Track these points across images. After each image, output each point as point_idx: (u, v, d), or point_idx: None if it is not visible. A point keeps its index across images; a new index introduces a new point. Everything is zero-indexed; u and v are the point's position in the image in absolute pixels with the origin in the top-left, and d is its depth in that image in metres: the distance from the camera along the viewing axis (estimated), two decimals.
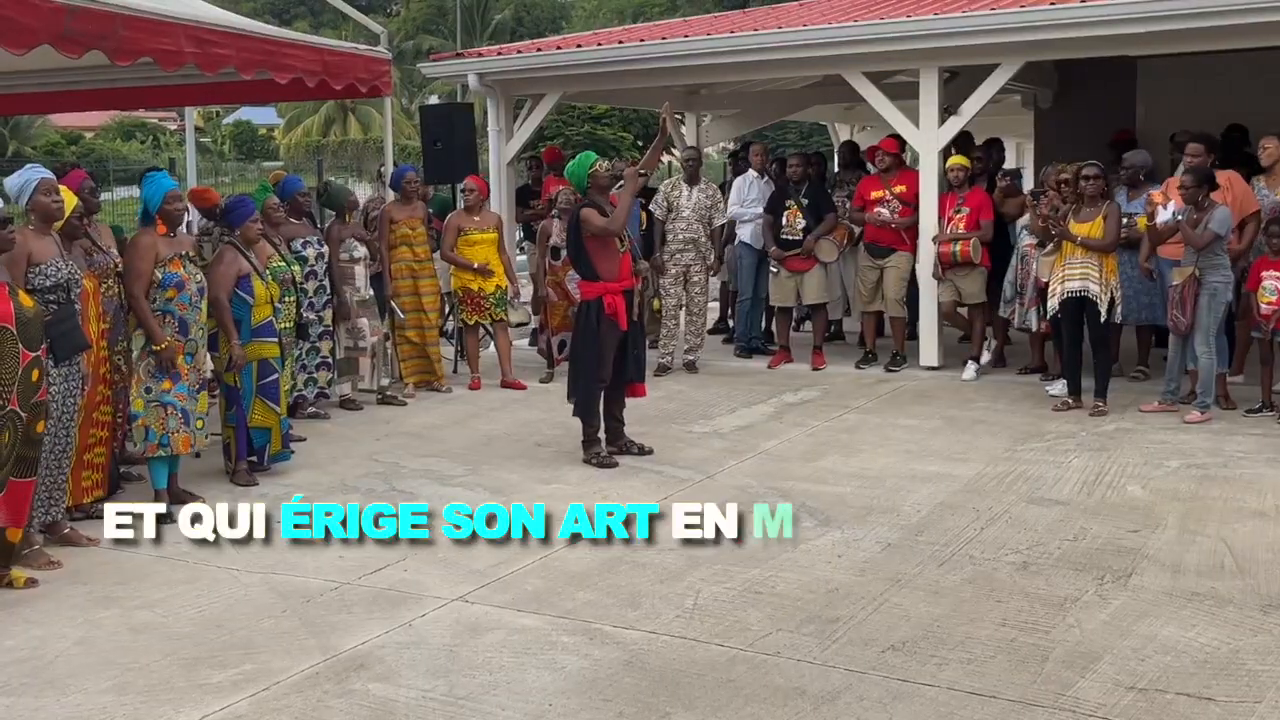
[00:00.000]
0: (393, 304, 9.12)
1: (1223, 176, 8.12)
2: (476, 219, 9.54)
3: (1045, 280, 8.34)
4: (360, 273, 8.75)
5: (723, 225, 10.36)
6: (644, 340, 7.64)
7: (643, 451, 7.29)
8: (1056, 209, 8.22)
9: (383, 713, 3.94)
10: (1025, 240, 8.91)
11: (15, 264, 5.48)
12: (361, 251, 8.75)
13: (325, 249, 8.42)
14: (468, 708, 3.97)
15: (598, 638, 4.52)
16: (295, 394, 8.28)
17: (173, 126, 41.61)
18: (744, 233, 10.56)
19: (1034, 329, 9.05)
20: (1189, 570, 5.11)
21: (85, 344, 5.86)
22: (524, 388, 9.51)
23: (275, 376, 6.97)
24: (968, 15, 9.20)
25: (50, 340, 5.54)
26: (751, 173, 10.91)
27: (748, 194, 10.68)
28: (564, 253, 9.53)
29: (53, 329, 5.56)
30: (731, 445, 7.52)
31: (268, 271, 7.27)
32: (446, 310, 10.09)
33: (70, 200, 5.97)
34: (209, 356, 6.75)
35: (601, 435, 7.23)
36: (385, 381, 9.09)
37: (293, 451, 7.23)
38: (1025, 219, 8.99)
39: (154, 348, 6.16)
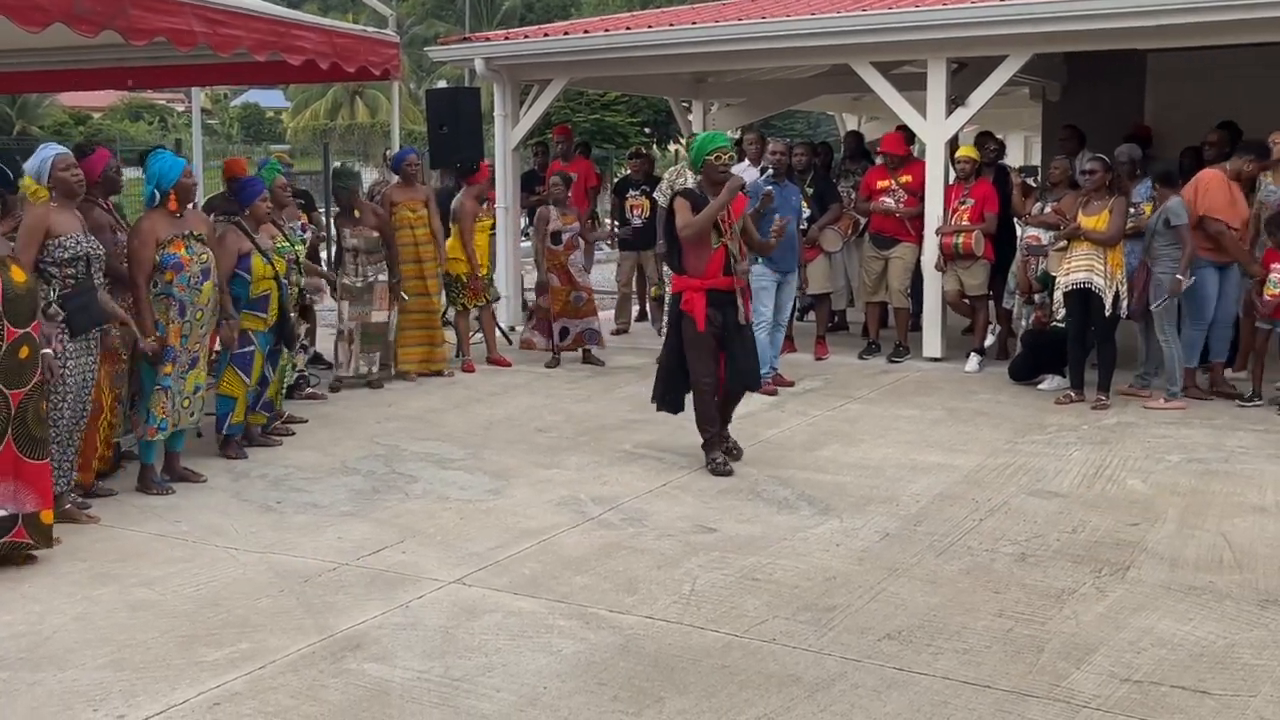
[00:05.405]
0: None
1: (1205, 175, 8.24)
2: (484, 205, 9.82)
3: (1053, 274, 8.34)
4: (347, 260, 8.78)
5: None
6: (748, 347, 6.75)
7: (731, 453, 6.81)
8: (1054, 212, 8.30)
9: (378, 693, 3.95)
10: (1029, 233, 8.89)
11: (31, 236, 5.50)
12: (351, 242, 8.74)
13: (308, 235, 8.48)
14: (463, 689, 3.97)
15: (594, 622, 4.53)
16: (296, 374, 8.28)
17: (180, 108, 41.59)
18: None
19: (1026, 323, 9.05)
20: (1187, 564, 5.10)
21: (103, 317, 5.85)
22: (509, 364, 9.81)
23: (252, 349, 6.99)
24: (976, 6, 9.16)
25: (67, 313, 5.56)
26: (745, 161, 10.81)
27: None
28: (565, 236, 9.60)
29: (70, 302, 5.58)
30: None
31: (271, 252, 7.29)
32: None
33: None
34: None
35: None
36: (364, 369, 8.95)
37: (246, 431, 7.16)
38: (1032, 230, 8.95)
39: (140, 343, 6.15)
